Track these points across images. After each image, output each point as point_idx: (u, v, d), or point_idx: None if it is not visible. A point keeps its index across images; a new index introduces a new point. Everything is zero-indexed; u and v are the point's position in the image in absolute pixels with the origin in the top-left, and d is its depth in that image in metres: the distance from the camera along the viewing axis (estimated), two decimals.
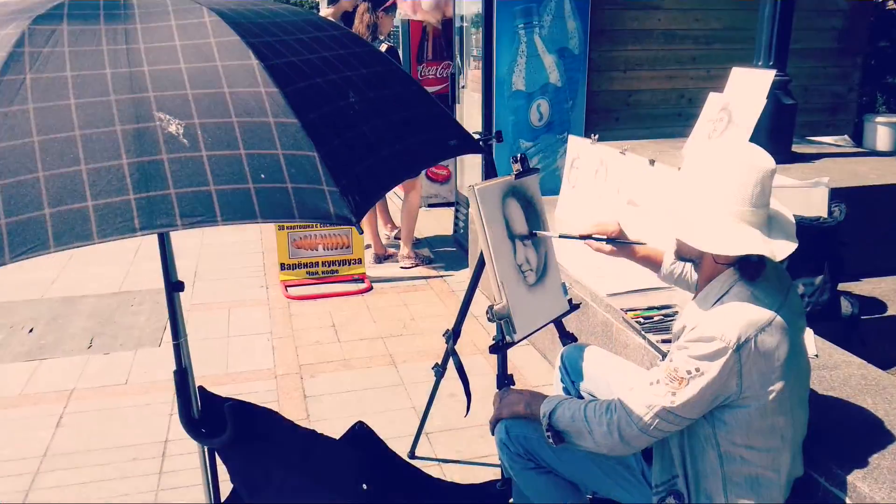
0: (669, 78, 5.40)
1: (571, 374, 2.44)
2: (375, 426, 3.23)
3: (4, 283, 5.03)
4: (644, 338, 2.84)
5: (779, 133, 3.77)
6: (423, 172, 6.75)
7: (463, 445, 3.07)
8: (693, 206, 1.79)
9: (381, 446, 2.30)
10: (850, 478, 1.89)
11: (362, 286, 4.91)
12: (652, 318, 2.90)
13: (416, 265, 5.28)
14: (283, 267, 4.90)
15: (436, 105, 1.57)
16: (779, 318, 1.72)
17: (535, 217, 2.42)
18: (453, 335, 2.68)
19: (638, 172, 3.73)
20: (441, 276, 5.13)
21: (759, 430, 1.76)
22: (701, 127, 4.08)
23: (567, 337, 2.61)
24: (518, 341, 2.27)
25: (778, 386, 1.72)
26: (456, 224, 5.87)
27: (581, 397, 2.42)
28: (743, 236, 1.73)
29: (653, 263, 2.31)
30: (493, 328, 2.63)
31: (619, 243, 2.24)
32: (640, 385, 1.80)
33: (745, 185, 1.72)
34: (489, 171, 3.56)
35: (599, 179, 4.12)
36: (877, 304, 3.07)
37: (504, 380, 2.37)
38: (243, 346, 4.03)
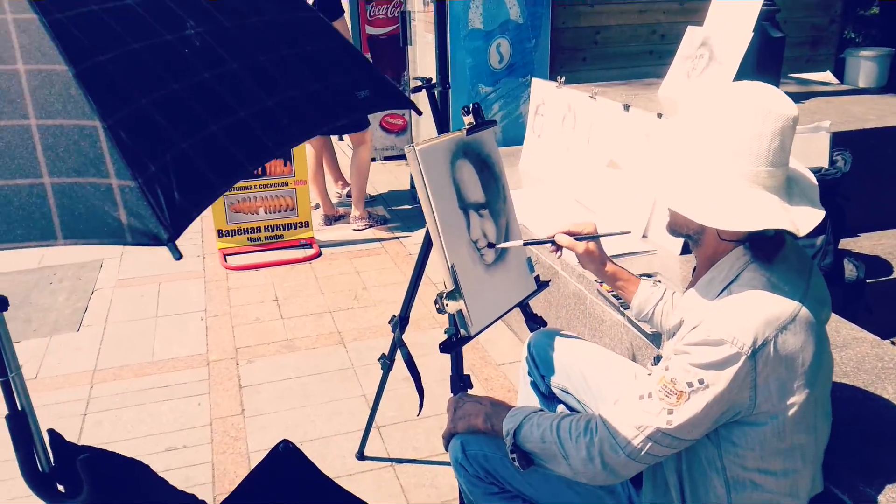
0: (640, 12, 4.94)
1: (541, 366, 2.06)
2: (320, 419, 2.84)
3: None
4: (622, 314, 2.46)
5: (765, 70, 3.35)
6: (377, 122, 6.25)
7: (420, 441, 2.69)
8: (691, 165, 1.38)
9: (310, 471, 1.90)
10: (881, 498, 1.54)
11: (310, 252, 4.46)
12: None
13: (370, 226, 4.84)
14: (220, 234, 4.43)
15: (336, 38, 1.11)
16: (804, 311, 1.34)
17: (492, 182, 2.00)
18: (400, 323, 2.27)
19: (610, 119, 3.31)
20: (397, 238, 4.70)
21: (775, 450, 1.39)
22: (678, 66, 3.66)
23: (534, 321, 2.22)
24: (475, 335, 1.87)
25: (800, 397, 1.35)
26: (413, 179, 5.41)
27: (552, 395, 2.04)
28: (758, 205, 1.33)
29: (625, 291, 1.91)
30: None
31: (596, 238, 1.84)
32: (627, 398, 1.42)
33: (760, 137, 1.31)
34: (443, 126, 3.11)
35: (567, 128, 3.69)
36: (881, 265, 2.72)
37: (459, 382, 1.98)
38: (173, 327, 3.59)
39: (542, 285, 2.12)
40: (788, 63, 4.92)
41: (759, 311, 1.31)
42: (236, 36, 0.83)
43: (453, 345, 1.88)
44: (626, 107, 3.20)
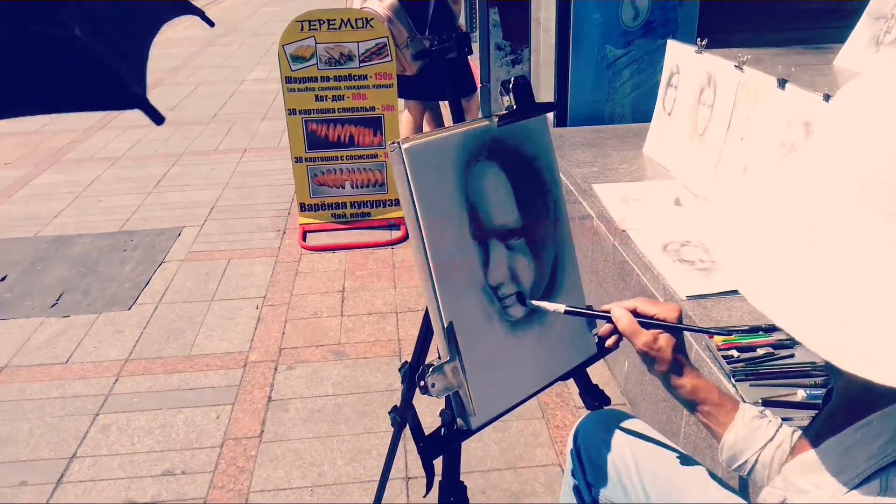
0: None
1: (588, 468, 1.42)
2: (343, 458, 2.33)
3: (3, 216, 4.45)
4: (734, 386, 1.72)
5: None
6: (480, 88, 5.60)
7: None
8: (847, 245, 0.68)
9: None
10: None
11: (396, 235, 3.94)
12: (754, 352, 1.77)
13: None
14: (302, 208, 4.01)
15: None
16: None
17: (537, 197, 1.36)
18: (409, 373, 1.67)
19: (759, 98, 2.48)
20: None
21: None
22: (864, 27, 2.72)
23: (592, 395, 1.55)
24: (479, 428, 1.26)
25: None
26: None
27: None
28: None
29: (712, 419, 1.17)
30: None
31: (675, 329, 1.15)
32: None
33: None
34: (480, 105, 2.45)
35: (704, 105, 2.87)
36: None
37: (450, 497, 1.38)
38: (225, 315, 3.21)
39: (605, 350, 1.44)
40: None
41: None
42: None
43: (443, 443, 1.27)
44: (782, 82, 2.35)
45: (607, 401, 1.55)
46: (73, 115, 6.95)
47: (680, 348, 1.17)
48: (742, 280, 0.72)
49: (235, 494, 2.20)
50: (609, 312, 1.20)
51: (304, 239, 3.90)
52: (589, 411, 1.51)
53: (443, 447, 1.28)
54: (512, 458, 2.32)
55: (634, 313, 1.18)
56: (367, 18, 3.59)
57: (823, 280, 0.66)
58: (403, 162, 1.15)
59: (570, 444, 1.47)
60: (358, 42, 3.66)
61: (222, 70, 8.92)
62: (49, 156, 5.66)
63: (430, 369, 1.19)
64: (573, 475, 1.47)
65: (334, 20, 3.60)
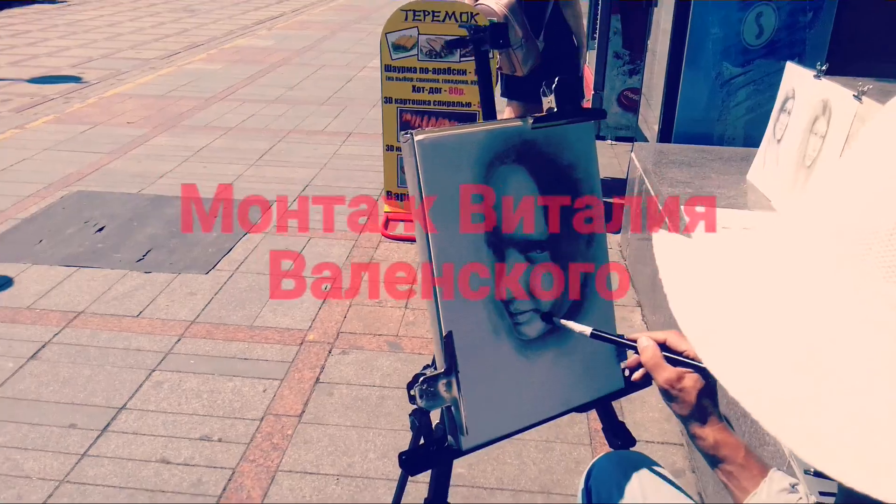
0: None
1: None
2: (376, 451, 2.29)
3: (115, 171, 4.70)
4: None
5: None
6: (616, 97, 5.42)
7: None
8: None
9: None
10: None
11: None
12: None
13: None
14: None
15: None
16: None
17: (570, 207, 1.24)
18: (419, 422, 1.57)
19: (875, 135, 2.23)
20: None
21: None
22: None
23: (616, 434, 1.42)
24: (470, 450, 1.17)
25: None
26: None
27: None
28: None
29: (734, 480, 1.00)
30: None
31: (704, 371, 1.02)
32: None
33: None
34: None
35: (816, 135, 2.63)
36: None
37: None
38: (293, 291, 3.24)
39: (633, 386, 1.31)
40: None
41: None
42: None
43: (428, 459, 1.19)
44: None
45: (632, 442, 1.42)
46: (199, 84, 7.27)
47: (709, 394, 1.03)
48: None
49: (264, 470, 2.20)
50: (635, 341, 1.08)
51: (385, 227, 3.89)
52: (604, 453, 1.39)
53: (427, 464, 1.19)
54: (548, 483, 2.20)
55: (664, 346, 1.06)
56: (472, 13, 3.53)
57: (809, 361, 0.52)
58: (415, 154, 1.07)
59: (581, 485, 1.35)
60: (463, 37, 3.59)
61: (347, 55, 9.12)
62: (169, 119, 5.94)
63: (421, 379, 1.12)
64: None
65: (439, 12, 3.56)
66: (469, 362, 1.14)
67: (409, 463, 1.16)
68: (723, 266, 0.62)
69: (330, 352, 2.80)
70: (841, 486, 0.74)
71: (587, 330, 1.15)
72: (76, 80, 7.45)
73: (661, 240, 0.67)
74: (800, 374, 0.51)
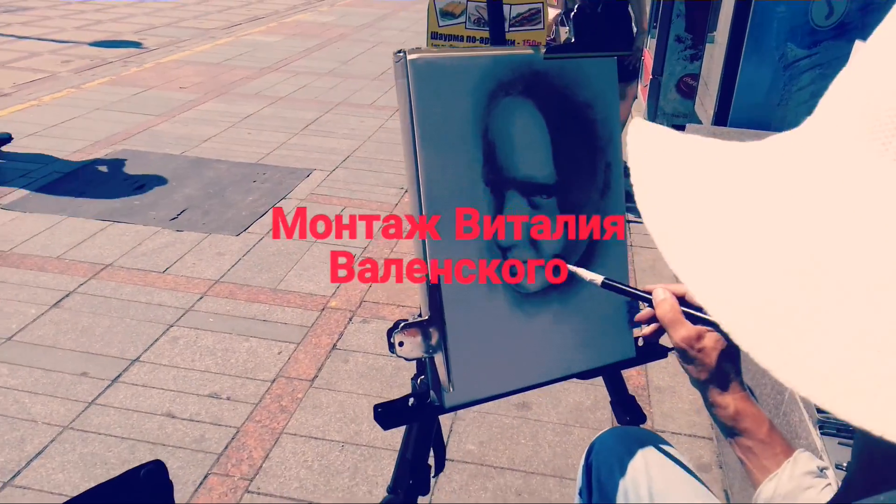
0: None
1: (596, 491, 1.21)
2: (370, 418, 2.19)
3: (162, 133, 4.72)
4: (821, 439, 1.39)
5: None
6: (675, 81, 5.20)
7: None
8: None
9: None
10: None
11: None
12: None
13: None
14: None
15: None
16: None
17: (582, 149, 1.13)
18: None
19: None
20: (629, 222, 3.75)
21: None
22: None
23: (625, 409, 1.30)
24: (453, 408, 1.07)
25: None
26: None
27: None
28: None
29: (753, 459, 0.88)
30: None
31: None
32: None
33: None
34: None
35: None
36: None
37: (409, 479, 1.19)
38: (322, 258, 3.17)
39: (646, 353, 1.19)
40: None
41: None
42: None
43: (405, 414, 1.09)
44: None
45: (643, 418, 1.29)
46: (255, 54, 7.29)
47: (731, 357, 0.89)
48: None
49: (269, 432, 2.13)
50: (650, 292, 0.94)
51: None
52: (608, 429, 1.26)
53: (403, 418, 1.09)
54: (562, 467, 2.08)
55: (682, 300, 0.91)
56: None
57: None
58: (407, 76, 0.96)
59: (582, 461, 1.23)
60: (511, 5, 3.47)
61: (405, 34, 9.04)
62: (221, 86, 5.95)
63: (402, 325, 1.02)
64: (580, 495, 1.24)
65: None
66: (457, 312, 1.03)
67: (384, 416, 1.06)
68: (708, 157, 0.50)
69: (351, 319, 2.72)
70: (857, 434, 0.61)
71: (598, 278, 1.01)
72: (136, 45, 7.55)
73: (638, 126, 0.55)
74: (791, 280, 0.39)
